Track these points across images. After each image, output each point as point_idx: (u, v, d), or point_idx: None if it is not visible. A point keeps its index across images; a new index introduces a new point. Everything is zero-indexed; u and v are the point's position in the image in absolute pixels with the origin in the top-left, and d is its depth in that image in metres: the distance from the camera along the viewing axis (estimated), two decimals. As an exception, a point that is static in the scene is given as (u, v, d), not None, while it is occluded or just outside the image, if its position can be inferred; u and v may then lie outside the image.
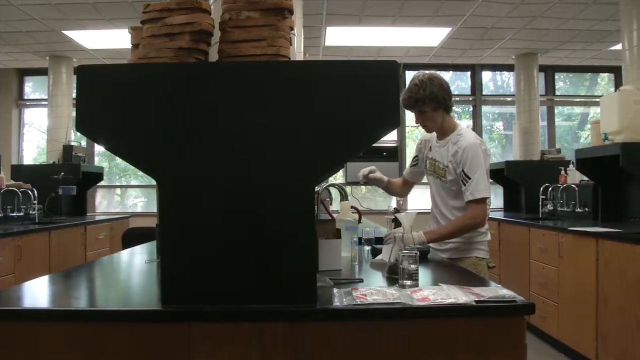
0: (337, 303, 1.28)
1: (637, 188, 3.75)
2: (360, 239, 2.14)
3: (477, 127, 6.92)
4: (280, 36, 1.34)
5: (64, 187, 4.99)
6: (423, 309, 1.24)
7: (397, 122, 1.29)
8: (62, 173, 5.08)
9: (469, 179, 2.05)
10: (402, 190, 2.51)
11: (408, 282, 1.53)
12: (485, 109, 7.36)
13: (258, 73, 1.30)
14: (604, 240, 3.14)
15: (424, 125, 2.21)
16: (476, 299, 1.29)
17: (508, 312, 1.28)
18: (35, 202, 4.57)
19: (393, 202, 7.23)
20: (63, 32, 4.77)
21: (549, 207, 4.77)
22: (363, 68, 1.32)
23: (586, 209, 4.31)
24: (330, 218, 1.95)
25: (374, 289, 1.38)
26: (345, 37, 5.27)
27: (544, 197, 4.84)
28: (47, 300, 1.55)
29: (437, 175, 2.22)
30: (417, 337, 1.26)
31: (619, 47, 4.12)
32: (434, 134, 2.27)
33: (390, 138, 7.07)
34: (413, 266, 1.54)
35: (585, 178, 4.28)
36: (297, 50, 3.76)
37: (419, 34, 5.19)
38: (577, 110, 7.45)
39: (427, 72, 2.18)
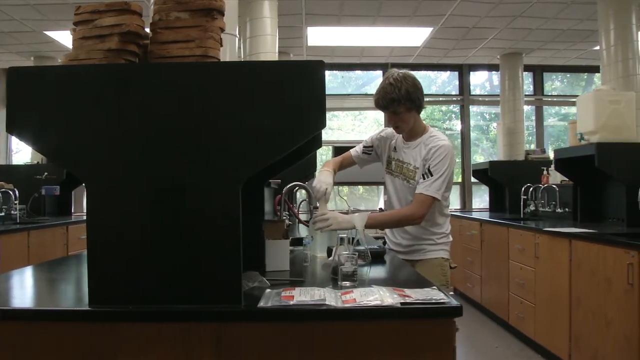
0: (261, 303, 1.28)
1: (615, 188, 3.74)
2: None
3: (465, 127, 6.91)
4: (209, 37, 1.34)
5: (47, 187, 4.99)
6: (343, 311, 1.24)
7: (322, 123, 1.30)
8: (46, 173, 5.09)
9: (431, 175, 2.04)
10: (338, 170, 2.32)
11: (347, 283, 1.53)
12: (483, 109, 7.35)
13: (184, 74, 1.30)
14: (577, 241, 3.13)
15: (396, 126, 2.15)
16: (402, 301, 1.29)
17: (433, 314, 1.28)
18: (17, 202, 4.58)
19: (381, 203, 7.18)
20: (44, 32, 4.79)
21: (531, 207, 4.76)
22: (289, 68, 1.32)
23: (566, 209, 4.30)
24: (280, 219, 1.95)
25: (304, 290, 1.38)
26: (328, 37, 5.28)
27: (525, 197, 4.83)
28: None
29: (405, 177, 2.19)
30: (342, 338, 1.26)
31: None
32: (395, 134, 2.24)
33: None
34: (351, 267, 1.54)
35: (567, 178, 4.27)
36: (271, 50, 3.76)
37: (402, 34, 5.19)
38: (575, 110, 7.43)
39: (400, 70, 2.11)
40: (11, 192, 4.55)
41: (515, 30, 5.02)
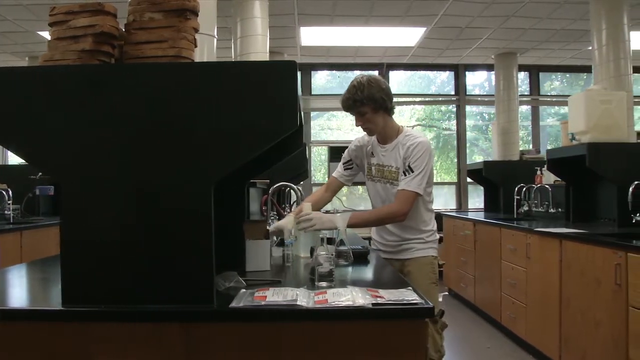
0: (233, 304, 1.29)
1: (606, 188, 3.73)
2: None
3: (461, 127, 6.91)
4: (182, 37, 1.34)
5: (41, 187, 5.01)
6: (313, 311, 1.24)
7: (295, 123, 1.30)
8: (40, 173, 5.09)
9: (412, 171, 2.05)
10: (327, 197, 2.36)
11: (323, 284, 1.54)
12: (482, 108, 7.34)
13: (155, 74, 1.30)
14: (567, 241, 3.13)
15: (365, 128, 2.17)
16: (374, 302, 1.29)
17: (404, 315, 1.28)
18: (10, 202, 4.58)
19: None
20: (38, 33, 4.80)
21: (525, 207, 4.76)
22: (262, 69, 1.33)
23: (559, 209, 4.29)
24: (262, 219, 1.95)
25: (278, 290, 1.38)
26: (322, 37, 5.28)
27: (518, 197, 4.82)
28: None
29: (388, 180, 2.18)
30: (314, 338, 1.26)
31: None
32: (371, 139, 2.24)
33: (373, 138, 7.06)
34: (327, 268, 1.55)
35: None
36: (262, 50, 3.77)
37: (396, 34, 5.20)
38: (572, 110, 7.41)
39: (368, 74, 2.16)
40: (4, 192, 4.56)
41: (508, 30, 5.02)
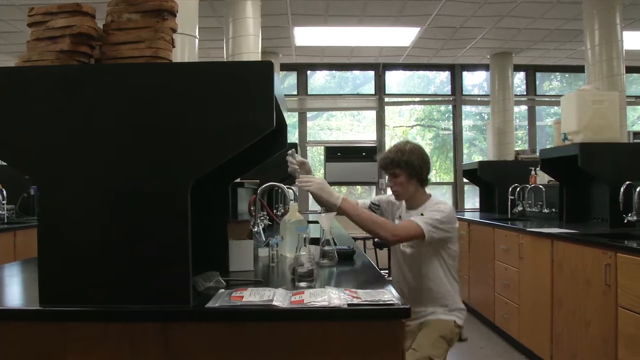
0: (210, 304, 1.29)
1: (598, 188, 3.73)
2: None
3: (457, 127, 6.91)
4: (159, 38, 1.35)
5: (35, 187, 5.01)
6: (287, 311, 1.24)
7: (271, 124, 1.30)
8: (35, 173, 5.09)
9: (422, 215, 2.03)
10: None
11: (303, 284, 1.54)
12: (481, 108, 7.33)
13: (131, 75, 1.30)
14: (558, 241, 3.13)
15: (394, 190, 2.16)
16: (350, 302, 1.29)
17: (380, 315, 1.27)
18: (5, 202, 4.59)
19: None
20: (32, 33, 4.80)
21: (519, 207, 4.75)
22: (237, 69, 1.32)
23: (553, 209, 4.29)
24: (245, 220, 1.95)
25: (255, 290, 1.38)
26: (317, 37, 5.29)
27: (512, 197, 4.82)
28: None
29: (406, 245, 2.15)
30: (290, 338, 1.26)
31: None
32: (402, 202, 2.23)
33: (369, 138, 7.06)
34: (306, 268, 1.55)
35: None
36: (254, 51, 3.77)
37: (391, 34, 5.20)
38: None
39: (413, 142, 2.17)
40: (-1, 192, 4.57)
41: (503, 30, 5.02)
